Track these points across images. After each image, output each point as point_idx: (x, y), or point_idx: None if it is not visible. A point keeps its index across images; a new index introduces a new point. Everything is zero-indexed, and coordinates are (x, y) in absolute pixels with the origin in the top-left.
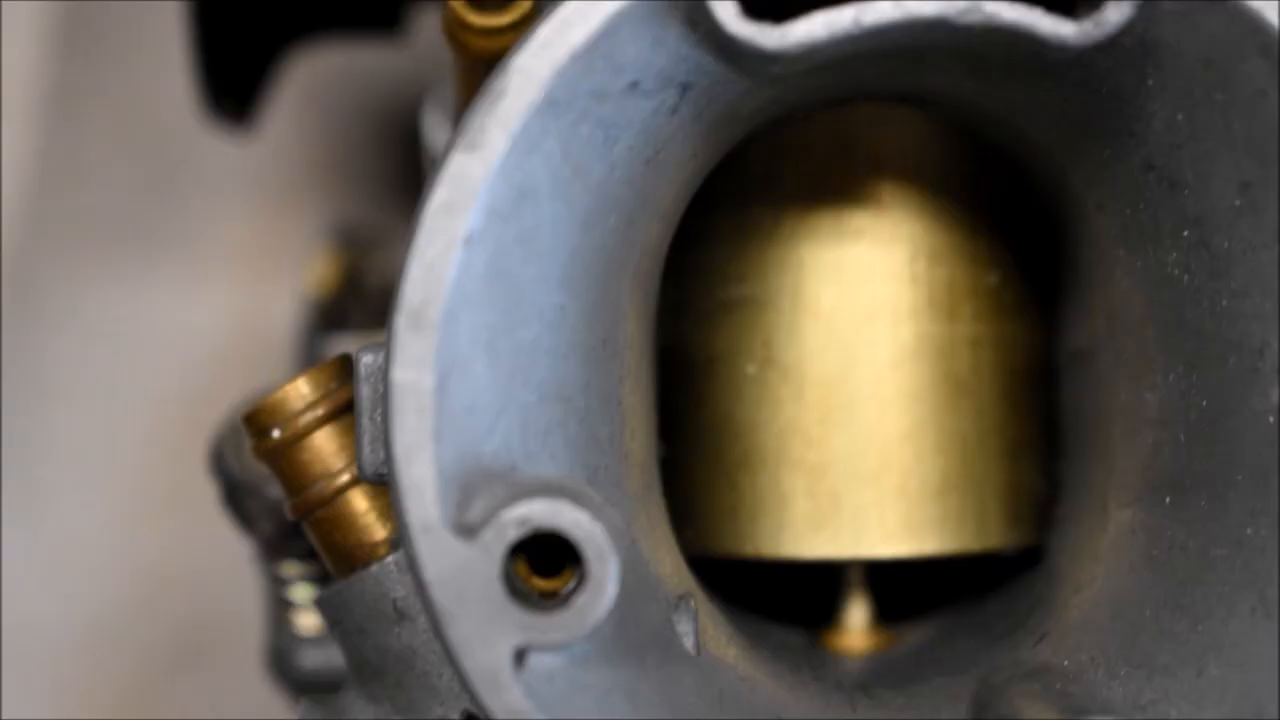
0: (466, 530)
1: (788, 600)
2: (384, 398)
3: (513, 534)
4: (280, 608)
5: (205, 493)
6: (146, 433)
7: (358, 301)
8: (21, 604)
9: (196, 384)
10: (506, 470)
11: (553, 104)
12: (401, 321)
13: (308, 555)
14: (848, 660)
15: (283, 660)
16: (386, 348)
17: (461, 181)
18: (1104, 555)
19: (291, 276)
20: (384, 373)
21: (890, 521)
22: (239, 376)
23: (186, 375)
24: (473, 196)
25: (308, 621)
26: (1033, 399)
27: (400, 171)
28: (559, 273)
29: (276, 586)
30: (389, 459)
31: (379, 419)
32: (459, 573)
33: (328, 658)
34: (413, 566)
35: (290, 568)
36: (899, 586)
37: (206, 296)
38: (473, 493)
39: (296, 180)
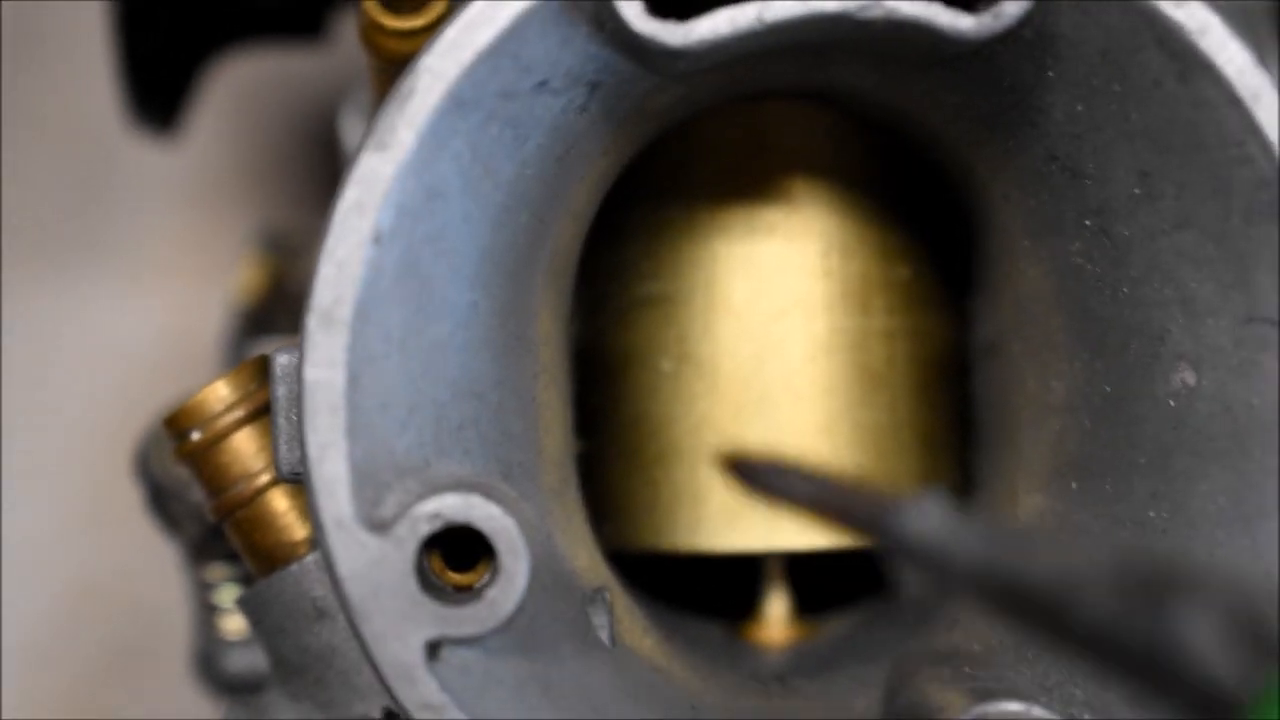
0: (379, 526)
1: (708, 594)
2: (298, 397)
3: (425, 528)
4: (206, 611)
5: (134, 501)
6: (75, 442)
7: (284, 307)
8: None
9: (126, 392)
10: (420, 466)
11: (461, 104)
12: (313, 321)
13: (233, 558)
14: (767, 652)
15: (209, 664)
16: (300, 347)
17: (371, 181)
18: None
19: (222, 283)
20: (299, 372)
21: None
22: (170, 385)
23: (116, 384)
24: (382, 195)
25: (234, 625)
26: (946, 391)
27: (326, 176)
28: (471, 270)
29: (202, 590)
30: (303, 457)
31: (294, 418)
32: (372, 568)
33: (254, 660)
34: (327, 563)
35: (215, 571)
36: (821, 577)
37: (136, 304)
38: (385, 489)
39: (224, 186)
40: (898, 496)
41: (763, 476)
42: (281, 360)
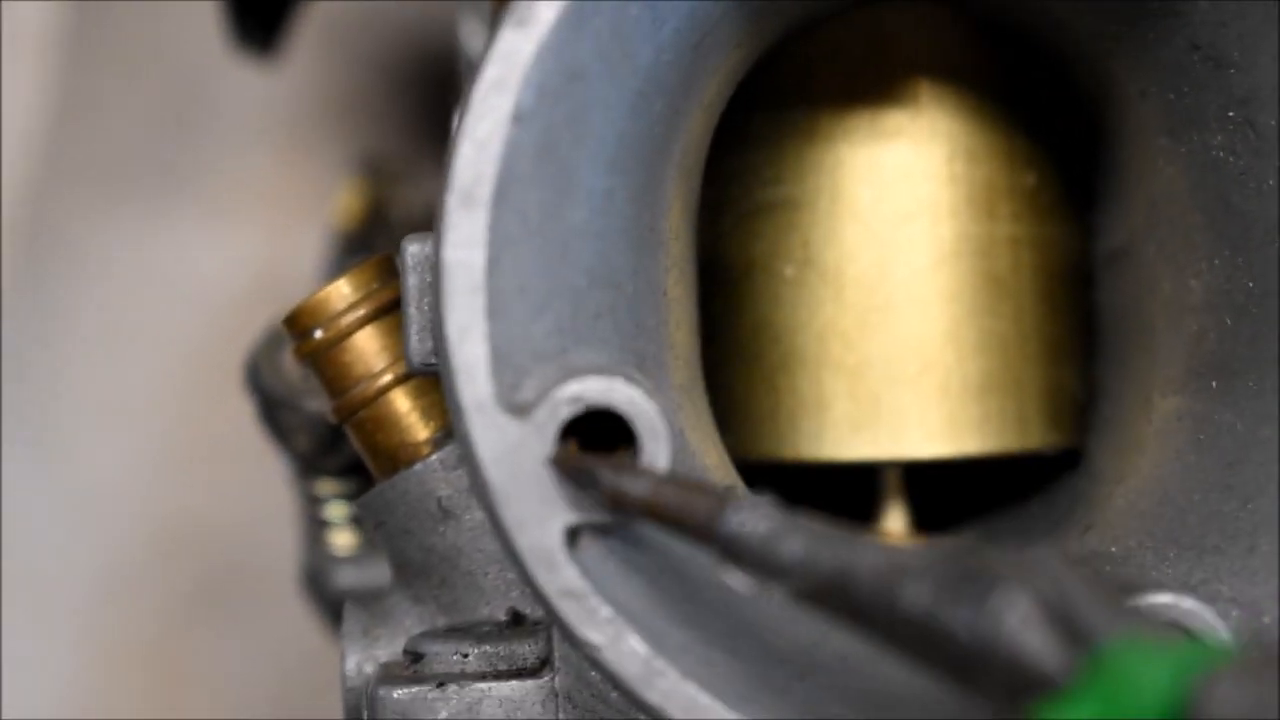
0: (519, 409)
1: (825, 508)
2: (432, 284)
3: (565, 411)
4: (315, 527)
5: (227, 435)
6: (167, 376)
7: (383, 232)
8: (43, 551)
9: (219, 326)
10: (557, 353)
11: None
12: (452, 200)
13: (342, 472)
14: None
15: (318, 579)
16: (436, 230)
17: (511, 58)
18: (1148, 445)
19: (315, 215)
20: (431, 261)
21: (931, 422)
22: (262, 317)
23: (209, 317)
24: (523, 73)
25: (342, 540)
26: (1071, 301)
27: (424, 105)
28: (608, 157)
29: (311, 505)
30: (440, 341)
31: (426, 308)
32: (512, 452)
33: (362, 577)
34: (465, 447)
35: (325, 486)
36: (937, 498)
37: (229, 237)
38: (524, 373)
39: (319, 117)
40: (729, 497)
41: (597, 476)
42: (413, 249)
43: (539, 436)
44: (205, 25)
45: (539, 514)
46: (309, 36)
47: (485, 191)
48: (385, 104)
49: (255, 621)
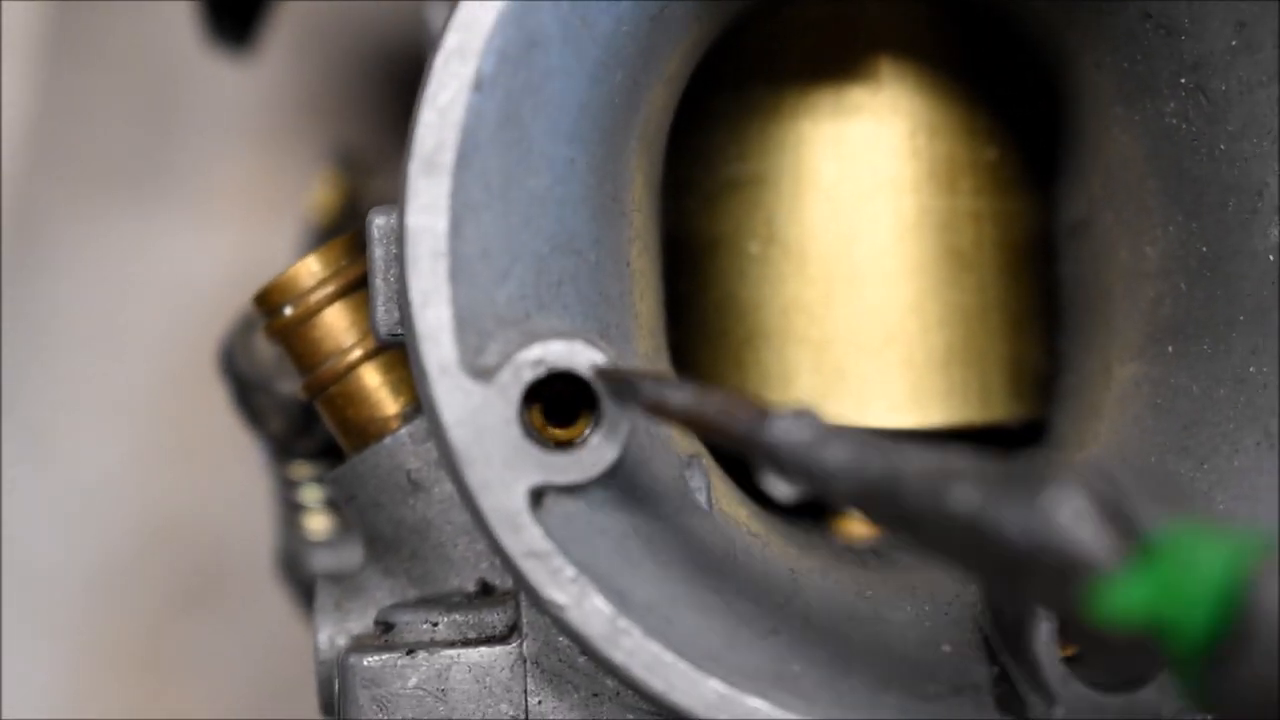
0: (483, 373)
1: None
2: (398, 255)
3: (529, 375)
4: (290, 510)
5: (212, 430)
6: (151, 372)
7: (358, 225)
8: (29, 547)
9: (203, 322)
10: (520, 318)
11: None
12: (415, 167)
13: (317, 455)
14: (854, 542)
15: (294, 563)
16: (400, 199)
17: (471, 25)
18: (1107, 411)
19: (294, 213)
20: (396, 231)
21: (896, 393)
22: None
23: (191, 314)
24: (483, 40)
25: (317, 524)
26: (1033, 274)
27: (397, 100)
28: (568, 125)
29: (286, 489)
30: (404, 306)
31: (392, 279)
32: (476, 414)
33: (338, 560)
34: (430, 411)
35: (300, 469)
36: None
37: (210, 234)
38: (488, 337)
39: (295, 112)
40: (770, 408)
41: (638, 389)
42: (378, 221)
43: (502, 399)
44: (182, 24)
45: (503, 476)
46: (283, 33)
47: (447, 158)
48: (359, 99)
49: (244, 615)
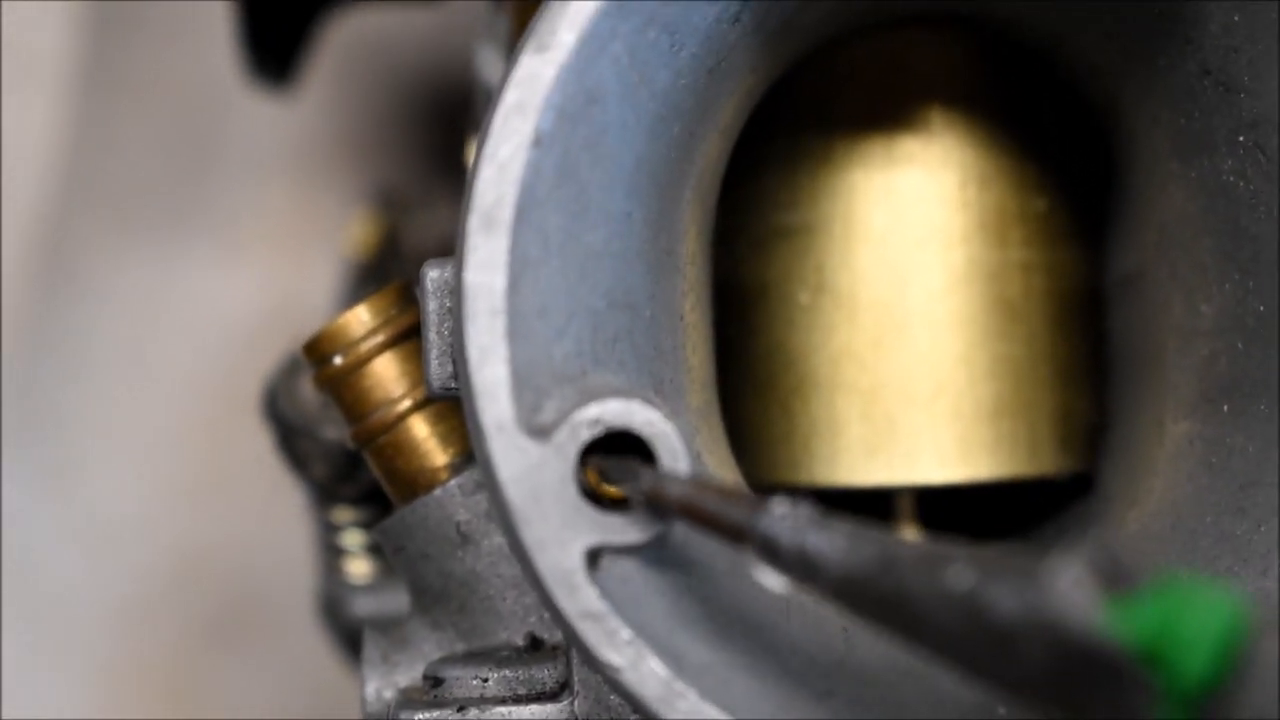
0: (540, 431)
1: None
2: (452, 309)
3: (586, 434)
4: (331, 555)
5: (243, 466)
6: (181, 407)
7: (397, 263)
8: (58, 580)
9: (234, 358)
10: (577, 375)
11: (621, 5)
12: (474, 222)
13: (359, 500)
14: None
15: (334, 608)
16: (457, 253)
17: (532, 82)
18: (1161, 469)
19: (328, 248)
20: (451, 285)
21: (945, 445)
22: (277, 348)
23: (224, 348)
24: (543, 97)
25: (359, 568)
26: (1082, 325)
27: (437, 137)
28: (626, 179)
29: (328, 533)
30: (461, 364)
31: (446, 332)
32: (533, 473)
33: (379, 605)
34: (486, 469)
35: (342, 514)
36: (948, 522)
37: (244, 269)
38: (545, 395)
39: (332, 150)
40: (765, 501)
41: (638, 476)
42: (433, 274)
43: (559, 458)
44: (220, 57)
45: (559, 535)
46: (323, 68)
47: (506, 214)
48: (399, 135)
49: (272, 651)
